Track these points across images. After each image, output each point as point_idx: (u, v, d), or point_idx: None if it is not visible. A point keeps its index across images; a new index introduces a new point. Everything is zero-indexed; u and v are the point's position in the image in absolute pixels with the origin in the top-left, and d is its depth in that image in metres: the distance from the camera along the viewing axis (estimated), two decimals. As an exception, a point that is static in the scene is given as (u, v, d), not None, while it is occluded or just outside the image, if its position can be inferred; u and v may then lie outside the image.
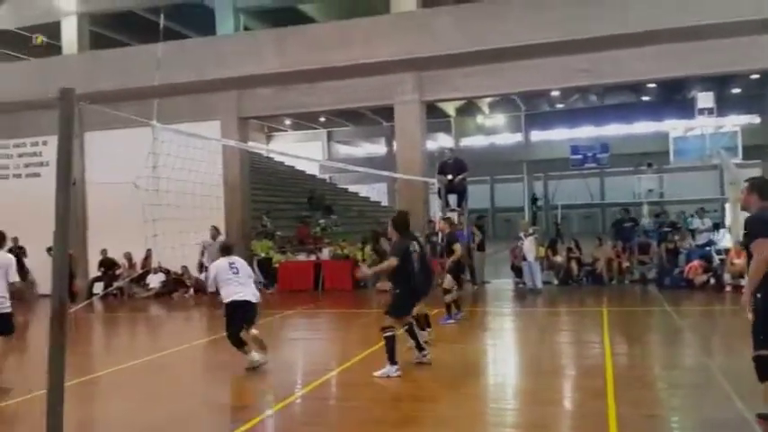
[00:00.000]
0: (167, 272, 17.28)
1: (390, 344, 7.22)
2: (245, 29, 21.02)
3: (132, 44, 21.71)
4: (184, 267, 17.04)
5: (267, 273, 17.37)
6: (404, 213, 8.15)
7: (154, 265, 17.12)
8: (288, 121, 43.02)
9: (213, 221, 15.62)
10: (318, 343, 10.97)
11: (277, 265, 17.41)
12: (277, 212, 22.02)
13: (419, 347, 7.67)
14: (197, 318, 14.81)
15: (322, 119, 42.57)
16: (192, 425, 6.17)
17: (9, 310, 7.31)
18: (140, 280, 17.42)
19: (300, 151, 35.98)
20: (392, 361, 7.21)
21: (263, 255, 17.54)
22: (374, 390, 6.93)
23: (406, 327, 7.64)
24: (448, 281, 10.54)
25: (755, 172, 35.68)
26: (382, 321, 7.42)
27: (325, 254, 17.98)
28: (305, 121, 42.99)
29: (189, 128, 10.07)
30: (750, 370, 5.04)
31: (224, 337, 8.01)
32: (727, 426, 5.41)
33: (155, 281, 17.31)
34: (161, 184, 8.19)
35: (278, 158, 32.59)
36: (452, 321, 10.63)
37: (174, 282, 17.29)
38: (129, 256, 17.73)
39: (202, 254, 15.78)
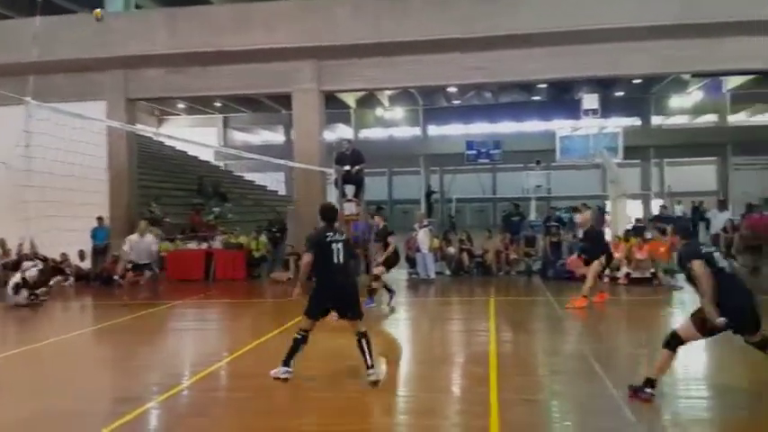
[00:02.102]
0: (45, 259, 16.19)
1: (293, 345, 6.61)
2: (137, 7, 20.05)
3: (12, 17, 20.18)
4: (64, 254, 16.06)
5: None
6: (327, 205, 7.71)
7: (26, 250, 15.96)
8: (181, 105, 41.53)
9: (96, 206, 14.84)
10: (207, 333, 10.64)
11: (164, 254, 16.74)
12: (167, 199, 21.23)
13: (367, 365, 6.55)
14: (77, 307, 14.02)
15: (218, 104, 41.41)
16: (70, 418, 5.82)
17: None
18: (15, 267, 16.22)
19: (195, 137, 34.85)
20: (286, 363, 6.61)
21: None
22: (265, 380, 6.77)
23: (357, 338, 6.60)
24: (380, 269, 11.53)
25: (635, 171, 38.29)
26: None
27: (218, 242, 17.50)
28: (199, 105, 41.64)
29: (71, 108, 9.49)
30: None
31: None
32: (601, 409, 5.74)
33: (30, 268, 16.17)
34: (35, 165, 7.65)
35: (170, 143, 31.33)
36: (373, 305, 11.30)
37: (53, 270, 16.23)
38: (2, 243, 16.49)
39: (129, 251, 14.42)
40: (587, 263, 11.18)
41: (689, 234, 6.15)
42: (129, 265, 14.41)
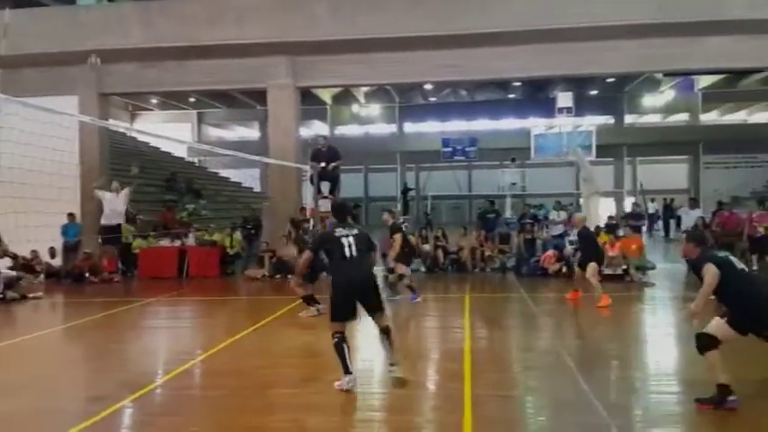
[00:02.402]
0: (14, 256, 15.91)
1: (337, 352, 6.30)
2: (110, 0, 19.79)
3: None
4: (34, 252, 15.78)
5: (126, 259, 16.49)
6: (337, 202, 7.88)
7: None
8: (154, 100, 41.00)
9: (67, 202, 14.60)
10: (181, 331, 10.53)
11: (137, 252, 16.54)
12: (140, 195, 20.92)
13: (389, 361, 6.45)
14: (47, 306, 13.78)
15: (192, 99, 40.97)
16: (41, 417, 5.73)
17: None
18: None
19: (168, 132, 34.41)
20: (345, 370, 6.26)
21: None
22: (239, 378, 6.76)
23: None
24: (401, 268, 11.89)
25: (608, 169, 38.73)
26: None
27: (191, 240, 17.33)
28: (173, 100, 41.19)
29: (42, 102, 9.30)
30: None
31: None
32: (573, 404, 5.81)
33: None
34: (4, 161, 7.50)
35: (143, 138, 30.89)
36: (419, 299, 11.75)
37: (23, 267, 15.95)
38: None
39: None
40: (582, 266, 11.29)
41: (703, 242, 6.17)
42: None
